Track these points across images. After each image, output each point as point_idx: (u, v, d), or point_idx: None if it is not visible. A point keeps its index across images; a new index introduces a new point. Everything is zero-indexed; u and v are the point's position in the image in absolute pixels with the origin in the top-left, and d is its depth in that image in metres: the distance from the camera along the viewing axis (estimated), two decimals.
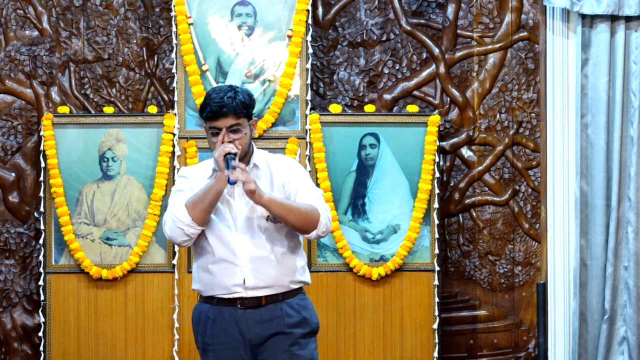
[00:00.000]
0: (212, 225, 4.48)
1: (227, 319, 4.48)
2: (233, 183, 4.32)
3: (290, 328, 4.49)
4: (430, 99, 6.89)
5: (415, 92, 6.89)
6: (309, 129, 6.56)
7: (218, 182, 4.39)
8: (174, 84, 6.62)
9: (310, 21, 6.60)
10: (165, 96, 6.85)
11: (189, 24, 6.55)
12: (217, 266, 4.47)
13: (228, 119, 4.41)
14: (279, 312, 4.48)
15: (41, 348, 6.66)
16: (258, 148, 4.61)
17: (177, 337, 6.57)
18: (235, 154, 4.38)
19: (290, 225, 4.43)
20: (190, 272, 6.56)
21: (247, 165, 4.48)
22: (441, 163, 6.75)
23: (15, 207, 6.88)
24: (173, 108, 6.64)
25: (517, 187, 6.89)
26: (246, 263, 4.45)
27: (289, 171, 4.54)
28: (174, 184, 6.53)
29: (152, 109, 6.70)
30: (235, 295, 4.47)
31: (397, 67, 6.89)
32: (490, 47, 6.89)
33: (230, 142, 4.40)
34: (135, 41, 6.88)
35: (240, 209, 4.48)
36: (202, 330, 4.54)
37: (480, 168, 6.89)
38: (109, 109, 6.74)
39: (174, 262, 6.57)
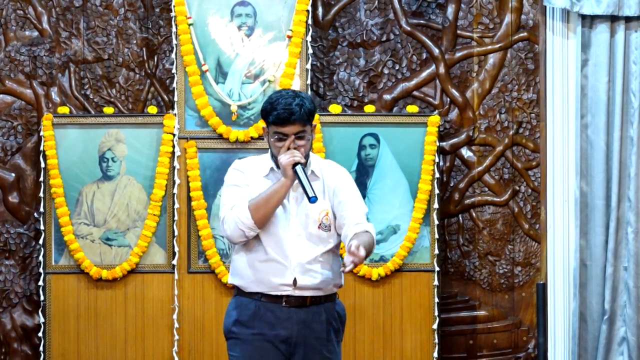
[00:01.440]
0: (267, 226, 4.51)
1: (270, 314, 4.51)
2: (315, 201, 4.40)
3: (328, 334, 4.54)
4: (430, 99, 6.89)
5: (415, 93, 6.89)
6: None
7: (282, 188, 4.44)
8: (174, 85, 6.62)
9: (310, 21, 6.60)
10: (165, 96, 6.85)
11: (189, 25, 6.55)
12: (267, 265, 4.50)
13: (296, 126, 4.44)
14: (320, 316, 4.54)
15: (41, 348, 6.66)
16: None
17: (176, 337, 6.57)
18: (303, 164, 4.43)
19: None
20: (190, 273, 6.57)
21: (305, 166, 4.51)
22: (441, 163, 6.75)
23: (15, 208, 6.88)
24: (173, 108, 6.64)
25: (517, 188, 6.89)
26: (296, 265, 4.49)
27: (340, 179, 4.59)
28: (173, 184, 6.55)
29: (152, 109, 6.70)
30: (283, 293, 4.51)
31: (397, 68, 6.89)
32: (490, 47, 6.89)
33: (295, 148, 4.44)
34: (135, 41, 6.88)
35: (294, 212, 4.52)
36: (241, 321, 4.55)
37: (480, 168, 6.89)
38: (108, 110, 6.74)
39: (174, 262, 6.57)
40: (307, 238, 4.51)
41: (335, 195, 4.56)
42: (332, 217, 4.56)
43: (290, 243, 4.49)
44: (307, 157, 4.52)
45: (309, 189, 4.39)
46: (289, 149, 4.45)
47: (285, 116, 4.43)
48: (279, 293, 4.51)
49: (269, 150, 4.56)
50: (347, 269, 4.29)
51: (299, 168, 4.41)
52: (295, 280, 4.49)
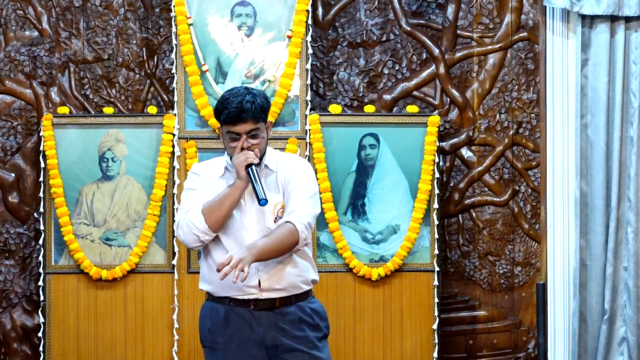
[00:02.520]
0: (226, 227, 4.46)
1: (240, 320, 4.47)
2: (265, 204, 4.34)
3: (304, 332, 4.48)
4: (430, 99, 6.88)
5: (415, 93, 6.89)
6: (309, 130, 6.56)
7: (236, 190, 4.38)
8: (174, 85, 6.62)
9: (310, 21, 6.60)
10: (165, 96, 6.85)
11: (189, 25, 6.55)
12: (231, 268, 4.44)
13: (247, 124, 4.38)
14: (292, 315, 4.48)
15: (41, 348, 6.66)
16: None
17: (176, 337, 6.57)
18: (257, 164, 4.38)
19: (279, 256, 4.43)
20: (190, 273, 6.57)
21: (259, 167, 4.46)
22: (441, 163, 6.74)
23: (15, 208, 6.88)
24: (173, 108, 6.64)
25: (517, 188, 6.89)
26: (261, 265, 4.43)
27: (291, 171, 4.51)
28: (173, 184, 6.56)
29: (152, 109, 6.70)
30: (250, 297, 4.46)
31: (397, 68, 6.89)
32: (490, 47, 6.89)
33: (249, 147, 4.38)
34: (135, 41, 6.88)
35: (249, 209, 4.47)
36: (212, 329, 4.53)
37: (480, 168, 6.89)
38: (108, 110, 6.74)
39: (174, 262, 6.57)
40: (264, 233, 4.42)
41: (285, 188, 4.49)
42: None
43: (249, 241, 4.42)
44: (263, 154, 4.46)
45: (260, 191, 4.33)
46: (242, 149, 4.38)
47: (236, 114, 4.35)
48: (246, 297, 4.46)
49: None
50: (222, 274, 4.22)
51: (251, 169, 4.35)
52: (259, 282, 4.44)
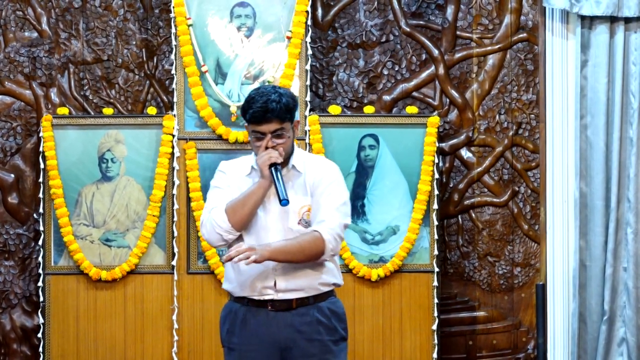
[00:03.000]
0: (249, 226, 4.44)
1: (257, 321, 4.45)
2: (286, 204, 4.32)
3: (320, 335, 4.45)
4: (430, 100, 6.89)
5: (415, 94, 6.89)
6: (308, 130, 6.56)
7: (259, 189, 4.37)
8: (174, 85, 6.62)
9: (309, 22, 6.60)
10: (164, 97, 6.85)
11: (189, 25, 6.55)
12: (250, 267, 4.40)
13: (272, 124, 4.36)
14: (309, 317, 4.45)
15: (40, 349, 6.66)
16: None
17: (176, 338, 6.57)
18: (280, 164, 4.36)
19: (298, 263, 4.41)
20: (190, 274, 6.57)
21: (286, 166, 4.45)
22: (440, 164, 6.74)
23: (15, 209, 6.88)
24: (172, 109, 6.64)
25: (517, 188, 6.89)
26: (278, 266, 4.41)
27: (320, 175, 4.48)
28: (173, 185, 6.56)
29: (152, 110, 6.70)
30: (266, 297, 4.43)
31: (396, 69, 6.89)
32: (489, 48, 6.89)
33: (273, 146, 4.36)
34: (134, 42, 6.88)
35: (274, 210, 4.44)
36: (230, 329, 4.50)
37: (479, 169, 6.89)
38: (108, 110, 6.74)
39: (173, 263, 6.57)
40: (286, 234, 4.41)
41: (314, 192, 4.46)
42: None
43: (271, 241, 4.39)
44: (289, 154, 4.44)
45: (282, 190, 4.31)
46: (267, 148, 4.36)
47: (261, 114, 4.33)
48: (263, 297, 4.44)
49: None
50: (225, 256, 4.25)
51: (275, 169, 4.33)
52: (275, 283, 4.43)
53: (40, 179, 6.66)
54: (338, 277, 4.57)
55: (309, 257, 4.39)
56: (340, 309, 4.56)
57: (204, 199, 6.50)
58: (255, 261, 4.27)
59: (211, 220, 4.41)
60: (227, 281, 4.54)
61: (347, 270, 6.58)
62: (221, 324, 4.57)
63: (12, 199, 6.88)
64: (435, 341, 6.57)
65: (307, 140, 6.55)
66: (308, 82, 6.57)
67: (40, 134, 6.65)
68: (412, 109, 6.67)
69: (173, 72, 6.63)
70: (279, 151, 4.36)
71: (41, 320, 6.64)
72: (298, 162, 4.49)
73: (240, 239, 4.46)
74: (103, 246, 6.65)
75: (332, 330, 4.50)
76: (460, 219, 6.89)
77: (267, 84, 6.52)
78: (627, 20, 6.62)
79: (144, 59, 6.88)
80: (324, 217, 4.42)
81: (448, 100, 6.89)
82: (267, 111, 4.33)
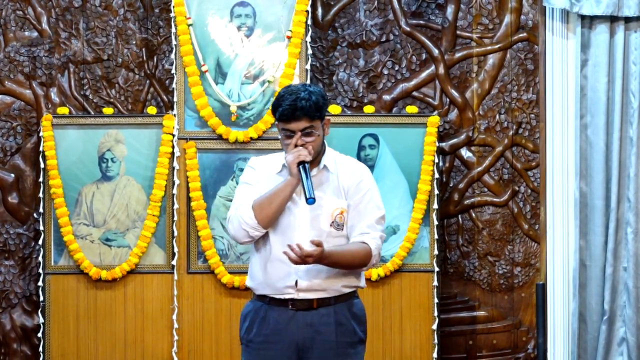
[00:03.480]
0: (276, 224, 4.43)
1: (277, 319, 4.43)
2: (312, 203, 4.30)
3: (337, 336, 4.44)
4: (430, 99, 6.88)
5: (415, 93, 6.89)
6: None
7: (287, 187, 4.36)
8: (174, 85, 6.62)
9: (309, 22, 6.60)
10: (164, 97, 6.85)
11: (189, 25, 6.55)
12: (272, 265, 4.41)
13: (301, 122, 4.35)
14: (329, 317, 4.43)
15: (40, 349, 6.66)
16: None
17: (176, 337, 6.57)
18: (309, 162, 4.34)
19: (343, 269, 4.43)
20: (190, 273, 6.57)
21: (317, 166, 4.44)
22: (440, 164, 6.74)
23: (15, 208, 6.88)
24: (172, 109, 6.64)
25: (517, 188, 6.89)
26: (300, 265, 4.37)
27: (355, 180, 4.47)
28: (173, 185, 6.56)
29: (152, 109, 6.70)
30: (287, 296, 4.42)
31: (396, 68, 6.89)
32: (489, 47, 6.89)
33: (303, 144, 4.36)
34: (134, 42, 6.88)
35: (304, 211, 4.42)
36: (250, 326, 4.48)
37: (479, 169, 6.89)
38: (108, 110, 6.74)
39: (173, 262, 6.57)
40: (316, 236, 4.38)
41: (349, 196, 4.44)
42: (347, 217, 4.45)
43: (297, 242, 4.35)
44: (319, 153, 4.43)
45: (309, 189, 4.29)
46: (296, 146, 4.36)
47: (290, 112, 4.33)
48: (284, 296, 4.42)
49: None
50: (290, 250, 4.24)
51: (303, 166, 4.32)
52: (296, 282, 4.41)
53: (40, 179, 6.66)
54: (361, 280, 4.55)
55: (355, 267, 4.42)
56: (360, 310, 4.55)
57: (204, 199, 6.52)
58: (317, 261, 4.29)
59: (238, 216, 4.39)
60: (251, 278, 4.53)
61: None
62: (241, 321, 4.55)
63: (12, 198, 6.88)
64: (435, 341, 6.57)
65: None
66: (308, 82, 6.57)
67: (40, 134, 6.65)
68: (412, 109, 6.67)
69: (173, 71, 6.63)
70: (308, 149, 4.36)
71: (41, 320, 6.64)
72: (329, 161, 4.48)
73: (265, 236, 4.44)
74: (103, 246, 6.65)
75: (350, 332, 4.48)
76: (460, 219, 6.89)
77: (267, 83, 6.52)
78: (627, 20, 6.62)
79: (144, 58, 6.88)
80: (368, 229, 4.43)
81: (448, 99, 6.89)
82: (296, 109, 4.33)
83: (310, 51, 6.62)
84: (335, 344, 4.44)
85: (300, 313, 4.42)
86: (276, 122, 4.44)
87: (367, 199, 4.47)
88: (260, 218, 4.37)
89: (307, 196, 4.30)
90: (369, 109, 6.69)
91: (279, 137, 4.45)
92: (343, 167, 4.49)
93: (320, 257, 4.28)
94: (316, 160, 4.44)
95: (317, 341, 4.42)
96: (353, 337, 4.49)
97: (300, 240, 4.36)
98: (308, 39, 6.58)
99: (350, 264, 4.41)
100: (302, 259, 4.26)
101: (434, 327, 6.57)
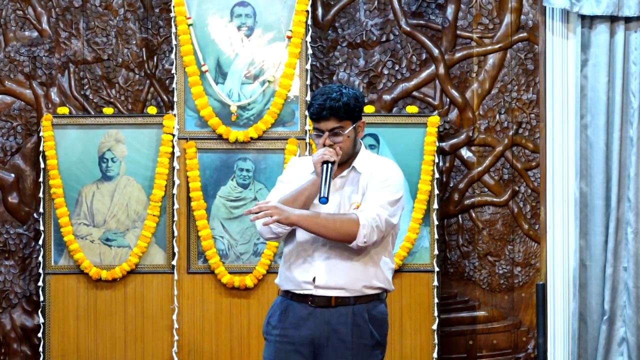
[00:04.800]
0: None
1: (296, 315, 4.45)
2: (324, 202, 4.30)
3: (353, 337, 4.43)
4: (430, 99, 6.89)
5: (415, 93, 6.89)
6: (309, 130, 6.55)
7: (311, 186, 4.38)
8: (174, 85, 6.62)
9: (309, 22, 6.60)
10: (164, 97, 6.85)
11: (189, 25, 6.55)
12: (295, 261, 4.44)
13: (329, 122, 4.38)
14: (346, 317, 4.42)
15: (40, 349, 6.66)
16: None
17: (176, 338, 6.57)
18: (333, 162, 4.35)
19: (328, 239, 4.38)
20: (190, 273, 6.58)
21: (348, 167, 4.45)
22: (440, 164, 6.74)
23: (15, 208, 6.88)
24: (172, 109, 6.64)
25: (517, 188, 6.89)
26: (321, 262, 4.40)
27: (375, 172, 4.46)
28: (173, 185, 6.56)
29: (152, 109, 6.70)
30: (306, 292, 4.43)
31: (396, 68, 6.89)
32: (489, 47, 6.89)
33: (331, 145, 4.38)
34: (134, 42, 6.88)
35: (329, 208, 4.42)
36: (271, 321, 4.51)
37: (479, 169, 6.89)
38: (108, 110, 6.74)
39: (174, 262, 6.57)
40: None
41: (366, 188, 4.45)
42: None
43: (320, 239, 4.38)
44: (350, 155, 4.44)
45: (325, 188, 4.29)
46: (324, 145, 4.38)
47: (318, 111, 4.37)
48: (303, 292, 4.43)
49: None
50: (245, 210, 4.27)
51: (326, 166, 4.33)
52: (314, 278, 4.42)
53: (41, 179, 6.66)
54: (386, 283, 4.51)
55: (339, 236, 4.34)
56: (380, 314, 4.49)
57: (204, 199, 6.53)
58: (279, 221, 4.26)
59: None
60: (278, 275, 4.56)
61: None
62: (267, 316, 4.57)
63: (12, 198, 6.88)
64: (436, 341, 6.57)
65: (307, 140, 6.55)
66: (308, 82, 6.57)
67: (41, 134, 6.65)
68: (412, 109, 6.67)
69: (173, 71, 6.63)
70: (335, 150, 4.37)
71: (41, 320, 6.64)
72: (360, 163, 4.49)
73: (292, 234, 4.46)
74: (103, 246, 6.65)
75: (367, 334, 4.45)
76: (460, 219, 6.89)
77: (267, 83, 6.52)
78: (627, 20, 6.62)
79: (144, 58, 6.88)
80: (367, 207, 4.38)
81: (448, 99, 6.89)
82: (324, 109, 4.37)
83: (310, 51, 6.62)
84: (351, 344, 4.43)
85: (319, 310, 4.43)
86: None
87: (379, 186, 4.43)
88: None
89: (321, 195, 4.30)
90: (369, 109, 6.69)
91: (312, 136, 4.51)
92: (369, 166, 4.49)
93: (280, 213, 4.26)
94: (348, 162, 4.46)
95: (332, 340, 4.42)
96: (370, 340, 4.46)
97: (324, 238, 4.37)
98: (308, 38, 6.58)
99: (331, 230, 4.33)
100: (260, 211, 4.26)
101: (434, 327, 6.57)
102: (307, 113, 4.47)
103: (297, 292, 4.45)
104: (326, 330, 4.42)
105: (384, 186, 4.44)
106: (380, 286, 4.49)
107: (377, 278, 4.47)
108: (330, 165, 4.35)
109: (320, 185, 4.33)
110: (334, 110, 4.37)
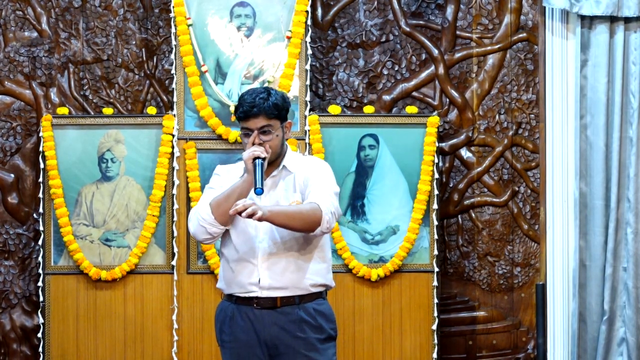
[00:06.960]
0: (236, 223, 4.48)
1: (244, 318, 4.49)
2: (260, 193, 4.33)
3: (305, 333, 4.48)
4: (430, 100, 6.89)
5: (415, 93, 6.89)
6: (308, 130, 6.56)
7: (243, 184, 4.41)
8: (173, 85, 6.62)
9: (309, 22, 6.60)
10: (164, 97, 6.85)
11: (188, 25, 6.55)
12: (237, 264, 4.48)
13: (259, 120, 4.43)
14: (294, 315, 4.48)
15: (40, 349, 6.66)
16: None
17: (176, 338, 6.57)
18: (264, 158, 4.39)
19: (294, 230, 4.41)
20: (189, 273, 6.58)
21: (277, 167, 4.50)
22: (440, 164, 6.74)
23: (15, 208, 6.88)
24: (172, 109, 6.64)
25: (516, 188, 6.89)
26: (263, 262, 4.45)
27: (310, 171, 4.52)
28: (173, 185, 6.57)
29: (151, 110, 6.70)
30: (252, 295, 4.47)
31: (396, 68, 6.89)
32: (489, 48, 6.89)
33: (260, 143, 4.42)
34: (134, 42, 6.88)
35: (262, 205, 4.43)
36: (221, 327, 4.56)
37: (479, 169, 6.89)
38: (108, 110, 6.74)
39: (173, 263, 6.57)
40: (278, 234, 4.45)
41: (305, 187, 4.50)
42: None
43: (259, 240, 4.46)
44: (279, 155, 4.50)
45: (258, 180, 4.33)
46: (253, 144, 4.42)
47: (247, 109, 4.42)
48: (248, 295, 4.47)
49: None
50: (232, 209, 4.27)
51: (257, 161, 4.37)
52: (259, 280, 4.46)
53: (40, 179, 6.66)
54: (327, 279, 4.59)
55: (306, 224, 4.38)
56: (327, 309, 4.57)
57: None
58: (259, 219, 4.28)
59: (196, 213, 4.47)
60: (220, 279, 4.60)
61: (346, 270, 6.58)
62: (215, 322, 4.63)
63: (12, 198, 6.88)
64: (435, 341, 6.57)
65: (307, 140, 6.55)
66: (308, 82, 6.57)
67: (40, 134, 6.65)
68: (412, 109, 6.67)
69: (173, 71, 6.63)
70: (265, 147, 4.42)
71: (41, 320, 6.64)
72: (290, 162, 4.55)
73: (227, 235, 4.50)
74: (103, 246, 6.65)
75: (317, 328, 4.51)
76: (460, 219, 6.90)
77: (267, 83, 6.53)
78: (627, 20, 6.62)
79: (144, 58, 6.88)
80: (317, 196, 4.43)
81: (448, 100, 6.89)
82: (254, 106, 4.42)
83: (310, 51, 6.62)
84: (303, 340, 4.48)
85: (265, 311, 4.48)
86: (240, 125, 4.51)
87: (319, 181, 4.49)
88: (217, 214, 4.42)
89: (256, 186, 4.34)
90: (368, 109, 6.69)
91: (241, 138, 4.51)
92: (302, 165, 4.55)
93: (260, 210, 4.27)
94: (277, 161, 4.51)
95: (284, 338, 4.48)
96: (321, 333, 4.52)
97: (260, 238, 4.45)
98: (308, 39, 6.58)
99: (298, 219, 4.36)
100: (249, 209, 4.26)
101: (434, 327, 6.57)
102: (234, 114, 4.48)
103: (242, 295, 4.49)
104: (276, 331, 4.47)
105: (326, 180, 4.51)
106: (323, 283, 4.55)
107: (320, 274, 4.54)
108: (261, 160, 4.38)
109: (255, 178, 4.35)
110: (263, 109, 4.42)
